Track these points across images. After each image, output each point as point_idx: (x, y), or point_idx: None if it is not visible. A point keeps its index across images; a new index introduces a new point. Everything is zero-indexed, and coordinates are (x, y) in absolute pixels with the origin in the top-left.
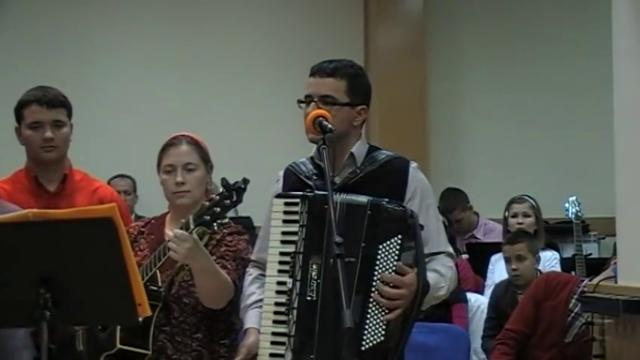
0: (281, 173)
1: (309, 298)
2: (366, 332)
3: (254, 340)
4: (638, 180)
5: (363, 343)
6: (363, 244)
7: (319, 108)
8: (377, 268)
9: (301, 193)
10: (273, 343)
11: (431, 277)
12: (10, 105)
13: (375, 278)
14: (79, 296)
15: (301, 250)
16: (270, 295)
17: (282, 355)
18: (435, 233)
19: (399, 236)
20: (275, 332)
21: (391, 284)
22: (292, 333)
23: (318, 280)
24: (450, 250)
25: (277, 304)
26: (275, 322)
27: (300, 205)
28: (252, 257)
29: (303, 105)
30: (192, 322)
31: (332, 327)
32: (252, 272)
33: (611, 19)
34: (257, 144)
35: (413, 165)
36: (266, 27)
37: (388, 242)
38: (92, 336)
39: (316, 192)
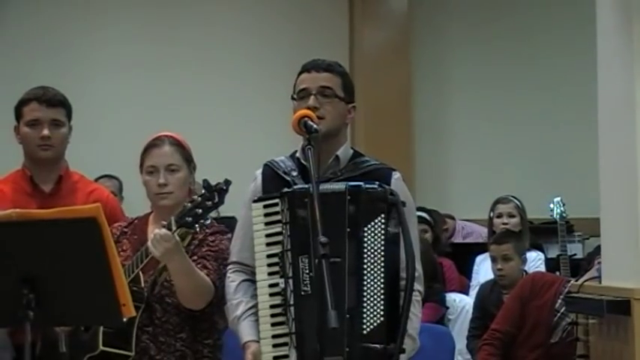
0: (258, 172)
1: (303, 292)
2: (365, 316)
3: (256, 349)
4: (623, 181)
5: (364, 327)
6: (348, 230)
7: (317, 100)
8: (365, 250)
9: (278, 192)
10: (274, 346)
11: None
12: None
13: (365, 260)
14: (63, 297)
15: (288, 247)
16: (264, 300)
17: (286, 356)
18: (415, 252)
19: (382, 215)
20: (275, 335)
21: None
22: (293, 330)
23: (310, 274)
24: (419, 271)
25: (272, 306)
26: (273, 324)
27: (279, 204)
28: (233, 258)
29: (295, 102)
30: (176, 322)
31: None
32: (234, 278)
33: (595, 18)
34: (241, 144)
35: (396, 176)
36: (251, 27)
37: (372, 223)
38: (75, 337)
39: (294, 187)
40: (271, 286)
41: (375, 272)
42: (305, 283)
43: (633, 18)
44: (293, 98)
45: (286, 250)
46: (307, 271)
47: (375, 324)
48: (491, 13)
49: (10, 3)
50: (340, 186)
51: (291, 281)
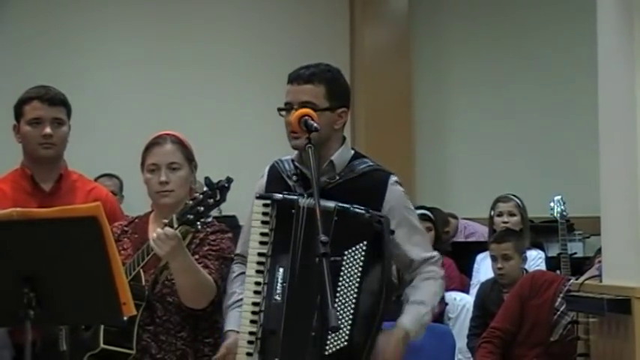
0: (266, 169)
1: (274, 300)
2: (329, 337)
3: (232, 341)
4: (623, 179)
5: (327, 347)
6: (329, 250)
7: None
8: (342, 274)
9: (274, 195)
10: (249, 342)
11: (411, 312)
12: None
13: (340, 284)
14: (64, 295)
15: (270, 253)
16: (248, 295)
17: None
18: (415, 244)
19: (365, 242)
20: (251, 332)
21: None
22: (259, 335)
23: (284, 284)
24: (430, 255)
25: (254, 304)
26: (251, 321)
27: (270, 207)
28: (238, 250)
29: (283, 113)
30: (177, 321)
31: (296, 329)
32: (235, 269)
33: (596, 17)
34: (242, 143)
35: (393, 179)
36: (252, 26)
37: (353, 248)
38: (75, 336)
39: (285, 195)
40: (256, 283)
41: (348, 297)
42: (277, 292)
43: (634, 16)
44: (280, 109)
45: (268, 255)
46: (282, 281)
47: (337, 347)
48: (492, 13)
49: (11, 1)
50: (330, 204)
51: (266, 287)
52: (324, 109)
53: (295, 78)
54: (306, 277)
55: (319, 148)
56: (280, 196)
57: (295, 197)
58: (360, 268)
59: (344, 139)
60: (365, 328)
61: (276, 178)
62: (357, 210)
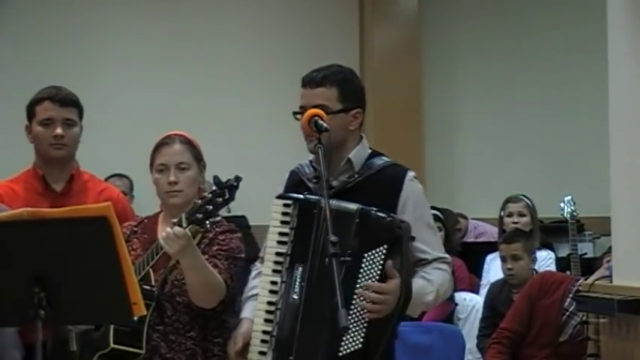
0: (286, 175)
1: (291, 300)
2: (344, 339)
3: (247, 329)
4: (633, 179)
5: (341, 349)
6: (349, 252)
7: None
8: (360, 276)
9: (295, 195)
10: (262, 341)
11: (417, 283)
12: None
13: (358, 286)
14: (74, 295)
15: (289, 252)
16: (263, 294)
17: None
18: (426, 242)
19: (385, 246)
20: (265, 330)
21: (375, 290)
22: (274, 333)
23: (302, 283)
24: (442, 255)
25: (269, 303)
26: (265, 320)
27: (292, 207)
28: (260, 254)
29: (298, 116)
30: (186, 321)
31: (313, 329)
32: (258, 266)
33: (606, 17)
34: (251, 143)
35: (410, 175)
36: (261, 26)
37: (373, 252)
38: (85, 335)
39: (307, 195)
40: (272, 283)
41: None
42: (295, 291)
43: None
44: (295, 113)
45: (287, 254)
46: (300, 280)
47: (351, 349)
48: (501, 12)
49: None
50: (352, 207)
51: (284, 285)
52: (338, 112)
53: (308, 82)
54: (324, 277)
55: (336, 150)
56: (302, 196)
57: (317, 198)
58: (378, 272)
59: (361, 138)
60: (380, 331)
61: (296, 182)
62: (379, 213)
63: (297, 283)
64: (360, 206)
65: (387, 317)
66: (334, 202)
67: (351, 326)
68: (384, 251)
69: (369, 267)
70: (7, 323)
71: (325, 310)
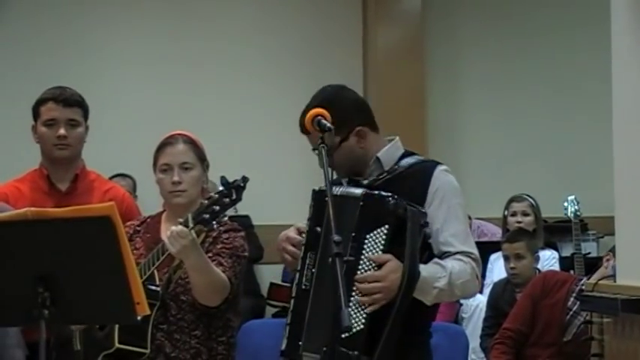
0: None
1: (303, 287)
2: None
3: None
4: (637, 179)
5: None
6: (353, 234)
7: (324, 150)
8: (363, 257)
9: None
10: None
11: (428, 268)
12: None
13: (360, 267)
14: (78, 295)
15: (304, 242)
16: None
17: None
18: (454, 235)
19: (386, 226)
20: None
21: (368, 280)
22: (288, 321)
23: (313, 270)
24: (468, 249)
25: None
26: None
27: (310, 200)
28: None
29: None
30: (191, 320)
31: (321, 314)
32: None
33: (610, 17)
34: (254, 142)
35: (440, 167)
36: (265, 24)
37: (375, 232)
38: (90, 335)
39: (321, 187)
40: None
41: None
42: (307, 278)
43: None
44: (314, 150)
45: (303, 243)
46: (311, 268)
47: (354, 330)
48: (505, 12)
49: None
50: (358, 191)
51: (297, 274)
52: (339, 144)
53: (302, 130)
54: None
55: (357, 166)
56: (316, 187)
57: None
58: (380, 252)
59: (390, 140)
60: (383, 314)
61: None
62: (382, 194)
63: (309, 270)
64: (365, 190)
65: (390, 302)
66: (341, 189)
67: (354, 306)
68: (386, 231)
69: (372, 247)
70: (11, 323)
71: (330, 296)
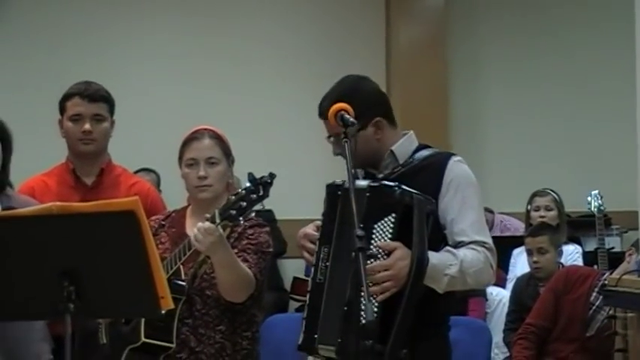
0: None
1: (318, 281)
2: (360, 311)
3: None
4: None
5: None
6: (361, 225)
7: (340, 139)
8: (371, 247)
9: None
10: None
11: (438, 255)
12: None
13: (368, 254)
14: (102, 289)
15: (318, 236)
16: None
17: None
18: (468, 224)
19: (394, 215)
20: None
21: (376, 269)
22: (305, 315)
23: (327, 263)
24: (482, 239)
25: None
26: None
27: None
28: None
29: (331, 139)
30: (215, 315)
31: (335, 307)
32: None
33: (634, 8)
34: (277, 138)
35: (455, 158)
36: (288, 22)
37: (382, 221)
38: (116, 329)
39: (334, 181)
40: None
41: None
42: (321, 272)
43: None
44: (328, 138)
45: (317, 238)
46: (325, 261)
47: (367, 319)
48: (528, 8)
49: None
50: (364, 183)
51: (312, 268)
52: (357, 132)
53: (320, 114)
54: (344, 256)
55: (372, 158)
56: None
57: (342, 181)
58: (388, 241)
59: (404, 134)
60: (395, 302)
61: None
62: (387, 184)
63: (323, 264)
64: (371, 181)
65: (400, 290)
66: (357, 182)
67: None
68: (393, 220)
69: (380, 236)
70: (37, 317)
71: (344, 288)
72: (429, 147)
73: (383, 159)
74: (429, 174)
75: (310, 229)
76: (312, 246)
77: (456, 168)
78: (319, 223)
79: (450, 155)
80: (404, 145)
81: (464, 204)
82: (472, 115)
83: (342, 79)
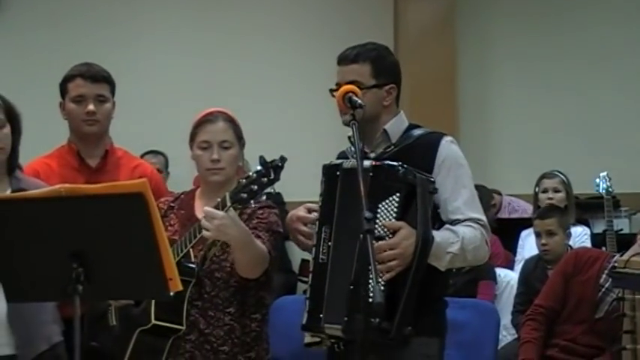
0: (336, 157)
1: (320, 261)
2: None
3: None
4: None
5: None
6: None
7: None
8: (377, 227)
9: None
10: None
11: (440, 233)
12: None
13: (376, 236)
14: (111, 271)
15: (317, 217)
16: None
17: None
18: (462, 203)
19: (398, 194)
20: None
21: (382, 249)
22: (308, 295)
23: (329, 243)
24: (477, 216)
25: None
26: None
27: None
28: None
29: (335, 93)
30: (225, 297)
31: (340, 286)
32: None
33: None
34: (286, 120)
35: (447, 138)
36: (296, 3)
37: (387, 200)
38: (126, 311)
39: (331, 161)
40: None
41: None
42: (323, 252)
43: None
44: (331, 91)
45: (317, 219)
46: (327, 241)
47: (376, 301)
48: None
49: None
50: (367, 163)
51: (314, 249)
52: (371, 87)
53: (342, 59)
54: (346, 236)
55: (371, 124)
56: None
57: (340, 161)
58: (392, 220)
59: (398, 112)
60: (401, 281)
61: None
62: (391, 164)
63: (325, 244)
64: (372, 162)
65: (406, 268)
66: (352, 162)
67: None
68: (397, 199)
69: (385, 215)
70: (46, 298)
71: (348, 268)
72: (420, 126)
73: (378, 130)
74: (421, 153)
75: (302, 212)
76: (305, 229)
77: (448, 148)
78: (310, 205)
79: (441, 135)
80: (396, 124)
81: (456, 183)
82: (480, 96)
83: (369, 42)
